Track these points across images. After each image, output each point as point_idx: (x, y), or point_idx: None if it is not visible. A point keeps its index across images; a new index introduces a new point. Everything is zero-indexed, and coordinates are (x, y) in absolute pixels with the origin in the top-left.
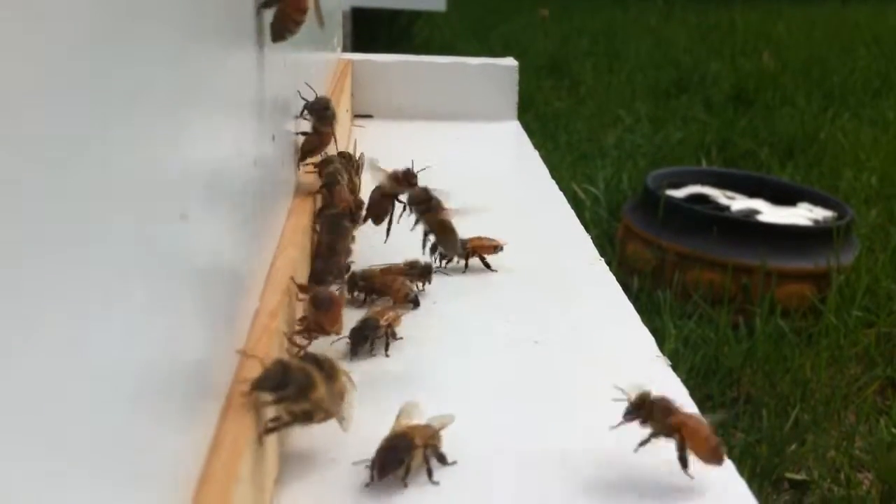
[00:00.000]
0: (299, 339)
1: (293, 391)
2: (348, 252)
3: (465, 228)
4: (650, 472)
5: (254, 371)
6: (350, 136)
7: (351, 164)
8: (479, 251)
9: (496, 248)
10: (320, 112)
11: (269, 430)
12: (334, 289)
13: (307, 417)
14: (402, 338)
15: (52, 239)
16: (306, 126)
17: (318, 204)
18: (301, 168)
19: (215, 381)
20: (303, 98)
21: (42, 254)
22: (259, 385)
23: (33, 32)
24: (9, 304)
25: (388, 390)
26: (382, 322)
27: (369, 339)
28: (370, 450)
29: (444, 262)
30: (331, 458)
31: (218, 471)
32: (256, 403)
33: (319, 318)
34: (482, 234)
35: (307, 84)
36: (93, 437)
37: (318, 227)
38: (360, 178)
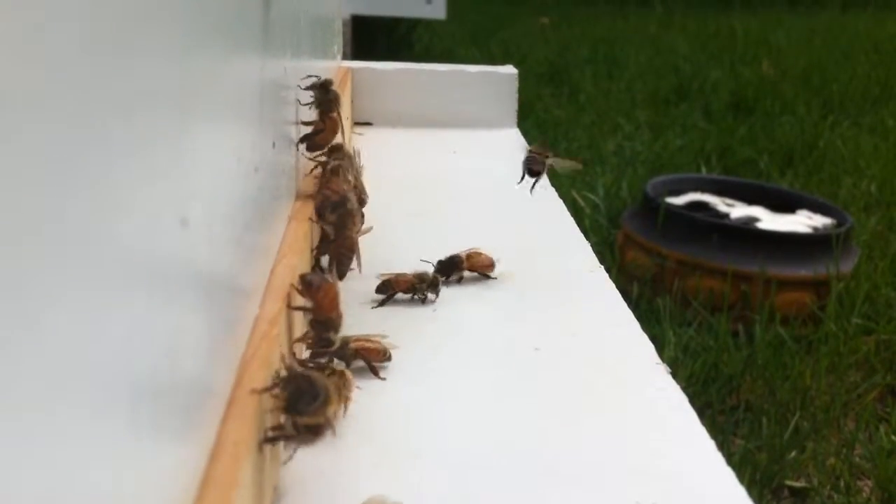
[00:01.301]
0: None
1: (318, 404)
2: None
3: (463, 240)
4: (651, 479)
5: (257, 378)
6: (350, 144)
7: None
8: (477, 269)
9: (491, 265)
10: (323, 94)
11: (269, 440)
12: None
13: (314, 434)
14: (384, 378)
15: (53, 244)
16: (311, 115)
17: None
18: (306, 156)
19: (216, 386)
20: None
21: (42, 259)
22: (292, 405)
23: (34, 34)
24: (9, 310)
25: (385, 397)
26: (352, 344)
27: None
28: (369, 451)
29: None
30: (331, 463)
31: (219, 477)
32: (258, 408)
33: (315, 303)
34: (479, 249)
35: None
36: (93, 443)
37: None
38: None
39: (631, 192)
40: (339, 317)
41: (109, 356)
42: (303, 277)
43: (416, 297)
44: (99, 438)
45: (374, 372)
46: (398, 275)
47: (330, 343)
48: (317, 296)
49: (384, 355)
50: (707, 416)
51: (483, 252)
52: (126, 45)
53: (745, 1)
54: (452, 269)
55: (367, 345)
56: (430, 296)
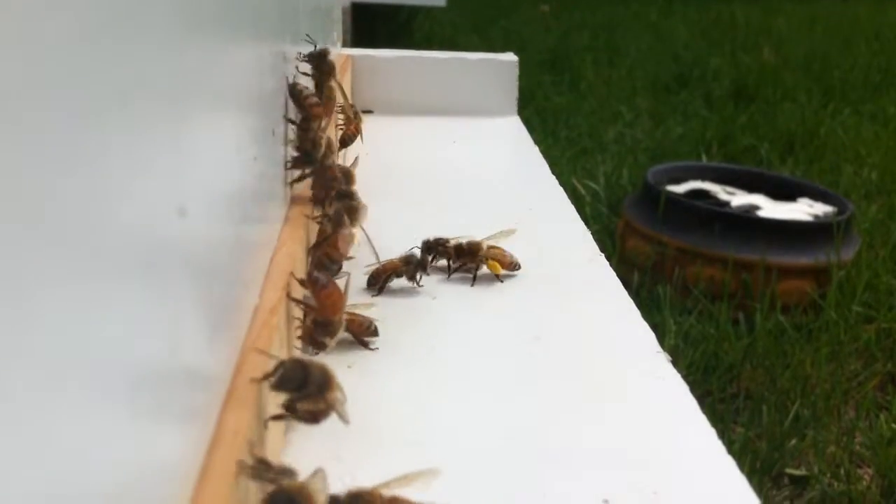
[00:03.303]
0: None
1: (313, 389)
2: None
3: (463, 228)
4: (651, 467)
5: (257, 367)
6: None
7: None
8: (497, 260)
9: (513, 265)
10: (319, 64)
11: (274, 418)
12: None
13: (314, 419)
14: (376, 348)
15: (51, 234)
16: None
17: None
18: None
19: (215, 376)
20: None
21: (40, 249)
22: (280, 385)
23: (31, 24)
24: (7, 300)
25: (384, 386)
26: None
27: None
28: (367, 440)
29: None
30: (329, 452)
31: (217, 466)
32: (258, 397)
33: (319, 302)
34: (500, 245)
35: (307, 36)
36: (92, 433)
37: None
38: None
39: (631, 180)
40: (340, 323)
41: (108, 346)
42: (310, 275)
43: (409, 280)
44: (98, 428)
45: (364, 344)
46: (384, 263)
47: (323, 347)
48: (321, 294)
49: (369, 328)
50: (707, 405)
51: (504, 251)
52: (123, 33)
53: None
54: (435, 249)
55: (352, 318)
56: (418, 276)
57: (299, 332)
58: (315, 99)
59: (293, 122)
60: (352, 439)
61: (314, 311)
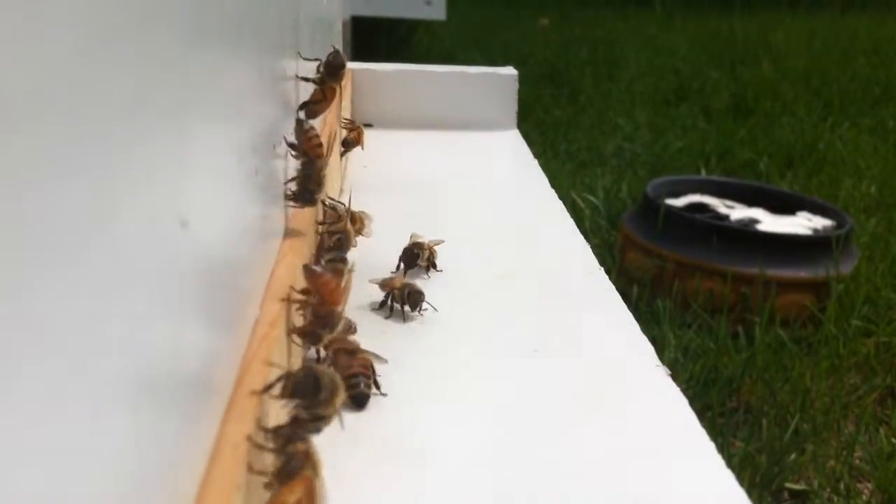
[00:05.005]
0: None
1: (325, 396)
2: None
3: (463, 242)
4: (650, 481)
5: (258, 379)
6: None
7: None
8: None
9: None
10: (333, 69)
11: (277, 428)
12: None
13: (317, 428)
14: (385, 394)
15: (53, 245)
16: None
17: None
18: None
19: (216, 387)
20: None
21: (42, 260)
22: (294, 393)
23: (35, 35)
24: (9, 311)
25: (384, 398)
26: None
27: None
28: (368, 452)
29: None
30: (331, 464)
31: (219, 477)
32: (259, 410)
33: (318, 291)
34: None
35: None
36: (93, 444)
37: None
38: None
39: (631, 194)
40: (340, 316)
41: (109, 358)
42: (307, 267)
43: (403, 306)
44: (99, 440)
45: (376, 386)
46: (390, 279)
47: (319, 340)
48: (318, 283)
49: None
50: (707, 418)
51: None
52: (126, 46)
53: (745, 2)
54: (415, 258)
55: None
56: (407, 308)
57: (299, 324)
58: (318, 140)
59: (293, 148)
60: (351, 450)
61: (314, 304)
